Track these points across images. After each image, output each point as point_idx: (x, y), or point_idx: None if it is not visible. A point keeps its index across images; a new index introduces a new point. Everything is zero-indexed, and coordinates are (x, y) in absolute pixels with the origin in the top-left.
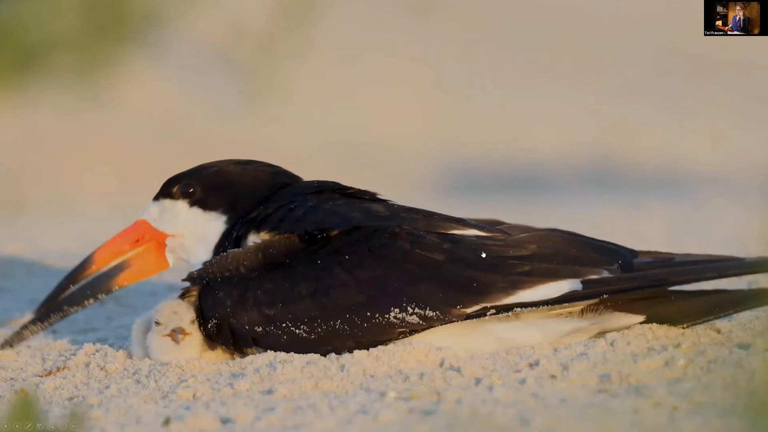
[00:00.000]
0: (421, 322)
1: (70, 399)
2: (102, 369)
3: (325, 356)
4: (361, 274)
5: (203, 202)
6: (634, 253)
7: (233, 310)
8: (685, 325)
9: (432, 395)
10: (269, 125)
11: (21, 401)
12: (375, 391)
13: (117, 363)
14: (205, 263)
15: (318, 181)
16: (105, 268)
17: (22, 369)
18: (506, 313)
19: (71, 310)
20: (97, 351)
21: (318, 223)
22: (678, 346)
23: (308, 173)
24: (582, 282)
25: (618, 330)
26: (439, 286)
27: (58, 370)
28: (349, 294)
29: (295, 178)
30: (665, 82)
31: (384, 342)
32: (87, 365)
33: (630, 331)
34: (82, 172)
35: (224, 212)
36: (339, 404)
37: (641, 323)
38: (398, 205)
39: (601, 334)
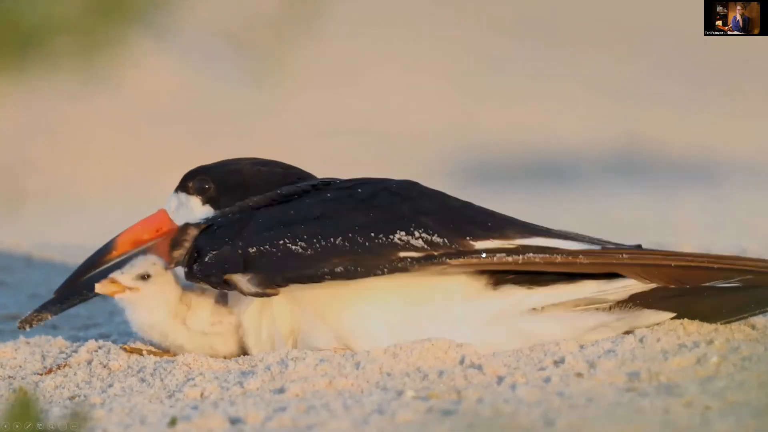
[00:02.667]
0: (425, 246)
1: (72, 398)
2: (105, 367)
3: (319, 277)
4: (372, 202)
5: (215, 202)
6: None
7: (231, 239)
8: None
9: (452, 394)
10: (281, 110)
11: (20, 400)
12: (392, 390)
13: (120, 360)
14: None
15: (328, 179)
16: (126, 255)
17: (20, 367)
18: (516, 257)
19: (90, 294)
20: (99, 348)
21: (324, 188)
22: (711, 342)
23: (321, 161)
24: (600, 244)
25: (647, 327)
26: (451, 218)
27: (59, 368)
28: (355, 216)
29: (305, 176)
30: (695, 69)
31: (382, 267)
32: (89, 363)
33: (660, 327)
34: (83, 160)
35: None
36: (354, 403)
37: (672, 319)
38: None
39: (629, 331)
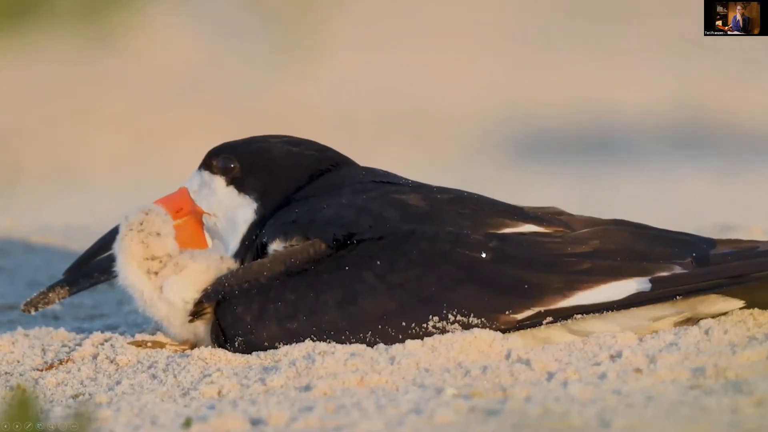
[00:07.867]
0: (463, 330)
1: (75, 396)
2: (112, 362)
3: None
4: (393, 278)
5: (240, 183)
6: (711, 243)
7: (253, 325)
8: None
9: (497, 392)
10: (306, 81)
11: (18, 399)
12: (430, 388)
13: (129, 355)
14: (219, 278)
15: (366, 169)
16: None
17: (19, 362)
18: (564, 321)
19: (101, 277)
20: (105, 341)
21: (347, 226)
22: None
23: (352, 139)
24: (650, 280)
25: (712, 316)
26: (484, 289)
27: (61, 363)
28: (379, 301)
29: (343, 161)
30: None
31: None
32: (94, 357)
33: (727, 318)
34: (88, 132)
35: (256, 199)
36: (388, 402)
37: (741, 309)
38: (441, 195)
39: (693, 321)
